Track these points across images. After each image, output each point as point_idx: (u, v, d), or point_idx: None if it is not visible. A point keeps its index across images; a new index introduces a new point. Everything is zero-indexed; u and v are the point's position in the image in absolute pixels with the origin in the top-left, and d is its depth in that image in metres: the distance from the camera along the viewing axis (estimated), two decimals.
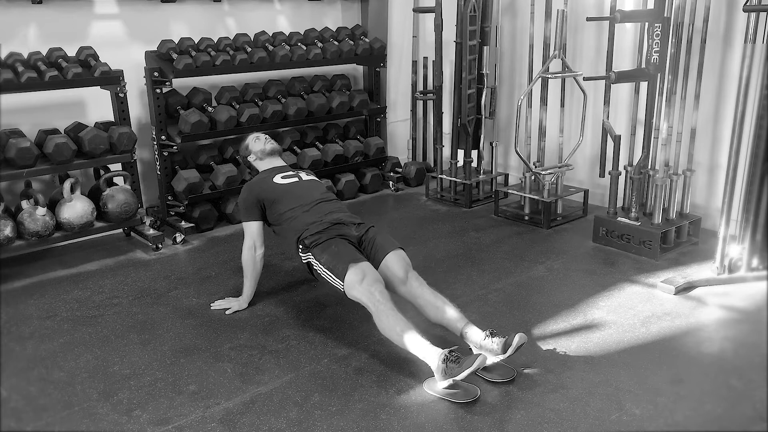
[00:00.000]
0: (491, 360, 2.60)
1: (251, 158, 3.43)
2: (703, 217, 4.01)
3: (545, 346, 2.86)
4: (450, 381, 2.44)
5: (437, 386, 2.51)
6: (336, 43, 4.94)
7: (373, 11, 5.39)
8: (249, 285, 3.25)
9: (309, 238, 2.94)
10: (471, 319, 3.06)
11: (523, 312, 3.17)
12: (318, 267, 2.91)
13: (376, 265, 2.87)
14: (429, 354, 2.51)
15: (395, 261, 2.90)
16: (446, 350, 2.48)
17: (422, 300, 2.82)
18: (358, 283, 2.73)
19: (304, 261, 3.01)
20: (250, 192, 3.22)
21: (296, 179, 3.27)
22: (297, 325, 3.10)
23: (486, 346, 2.63)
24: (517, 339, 2.57)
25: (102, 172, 4.11)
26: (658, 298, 3.28)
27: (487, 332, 2.66)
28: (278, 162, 3.42)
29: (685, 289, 3.34)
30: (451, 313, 2.76)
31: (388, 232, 3.30)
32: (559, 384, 2.58)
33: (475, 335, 2.68)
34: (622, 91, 4.27)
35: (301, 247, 3.00)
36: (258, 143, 3.42)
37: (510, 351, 2.56)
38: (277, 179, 3.24)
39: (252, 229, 3.20)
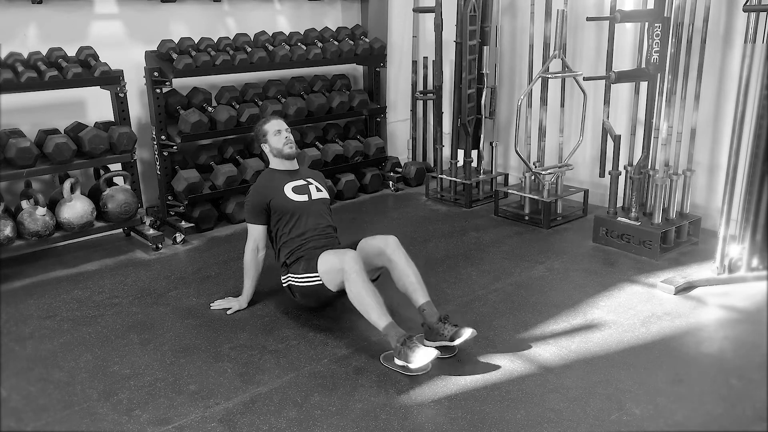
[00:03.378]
0: (439, 344, 2.76)
1: (266, 148, 3.32)
2: (703, 217, 4.01)
3: (545, 346, 2.86)
4: (403, 364, 2.63)
5: (392, 362, 2.71)
6: (336, 43, 4.94)
7: (373, 11, 5.39)
8: (249, 285, 3.25)
9: (290, 258, 3.10)
10: (471, 319, 3.06)
11: (523, 312, 3.17)
12: (296, 279, 3.03)
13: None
14: (390, 332, 2.67)
15: (371, 237, 3.02)
16: (405, 335, 2.65)
17: (394, 264, 2.92)
18: (330, 254, 2.87)
19: (284, 284, 3.16)
20: (258, 195, 3.20)
21: (306, 197, 3.22)
22: (297, 325, 3.10)
23: (437, 329, 2.78)
24: (468, 334, 2.71)
25: (102, 172, 4.11)
26: (658, 298, 3.28)
27: (442, 316, 2.81)
28: (293, 165, 3.35)
29: (685, 289, 3.34)
30: (415, 286, 2.87)
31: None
32: (559, 384, 2.58)
33: (430, 315, 2.82)
34: (622, 91, 4.27)
35: (283, 268, 3.13)
36: (278, 141, 3.25)
37: (457, 342, 2.72)
38: (288, 191, 3.21)
39: (256, 232, 3.20)
